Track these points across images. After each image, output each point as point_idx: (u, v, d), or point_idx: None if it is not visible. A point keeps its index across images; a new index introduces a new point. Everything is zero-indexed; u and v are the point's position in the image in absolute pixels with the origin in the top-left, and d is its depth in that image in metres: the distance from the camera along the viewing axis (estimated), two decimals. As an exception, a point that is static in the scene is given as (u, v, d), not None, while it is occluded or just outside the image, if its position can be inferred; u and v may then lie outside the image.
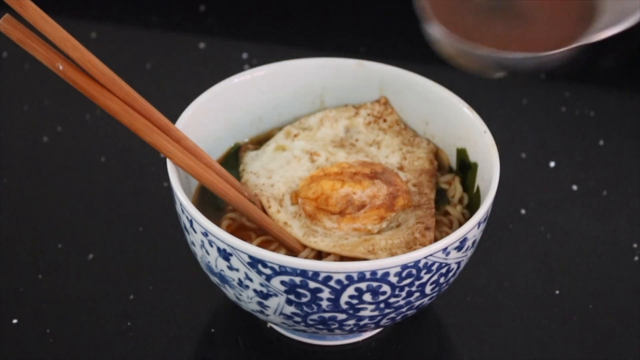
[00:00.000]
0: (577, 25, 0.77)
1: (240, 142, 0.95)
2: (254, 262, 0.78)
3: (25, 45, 0.77)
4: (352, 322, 0.81)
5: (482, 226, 0.83)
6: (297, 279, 0.78)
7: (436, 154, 0.93)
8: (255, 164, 0.91)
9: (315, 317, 0.80)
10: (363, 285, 0.78)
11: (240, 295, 0.82)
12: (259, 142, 0.95)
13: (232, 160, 0.93)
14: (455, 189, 0.90)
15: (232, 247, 0.78)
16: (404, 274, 0.78)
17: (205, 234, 0.80)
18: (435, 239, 0.85)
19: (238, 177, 0.90)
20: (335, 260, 0.84)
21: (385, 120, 0.94)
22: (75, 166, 1.07)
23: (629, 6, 0.77)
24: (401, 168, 0.91)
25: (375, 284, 0.78)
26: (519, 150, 1.10)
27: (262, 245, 0.85)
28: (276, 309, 0.81)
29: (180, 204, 0.82)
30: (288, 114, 0.96)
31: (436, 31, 0.77)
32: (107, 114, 0.80)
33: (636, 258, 0.98)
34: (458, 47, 0.77)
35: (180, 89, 1.14)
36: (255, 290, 0.80)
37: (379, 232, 0.85)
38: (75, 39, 0.78)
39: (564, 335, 0.92)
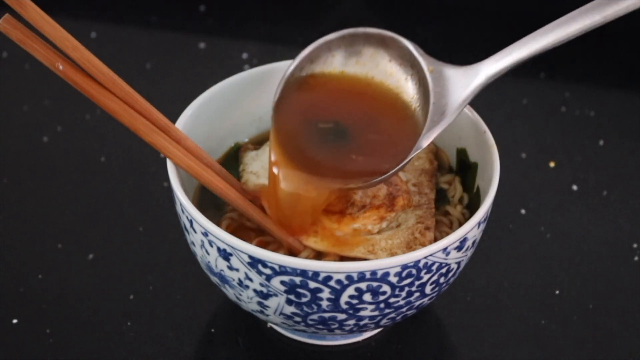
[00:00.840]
0: (407, 142, 0.83)
1: (240, 142, 0.95)
2: (254, 262, 0.78)
3: (25, 45, 0.77)
4: (352, 322, 0.81)
5: (482, 226, 0.83)
6: (297, 279, 0.78)
7: (436, 153, 0.93)
8: (255, 164, 0.91)
9: (315, 317, 0.80)
10: (363, 285, 0.78)
11: (240, 295, 0.82)
12: (259, 142, 0.94)
13: (232, 160, 0.93)
14: (455, 189, 0.90)
15: (232, 247, 0.78)
16: (404, 274, 0.78)
17: (205, 234, 0.80)
18: (436, 239, 0.85)
19: (238, 177, 0.90)
20: (335, 260, 0.84)
21: (385, 122, 0.94)
22: (75, 166, 1.07)
23: (449, 102, 0.83)
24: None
25: (375, 284, 0.78)
26: (519, 150, 1.10)
27: (260, 244, 0.85)
28: (276, 309, 0.81)
29: (180, 204, 0.82)
30: (288, 114, 0.96)
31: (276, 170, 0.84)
32: (107, 114, 0.80)
33: (636, 258, 0.98)
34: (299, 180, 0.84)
35: (180, 89, 1.14)
36: (255, 290, 0.80)
37: (379, 232, 0.85)
38: (75, 39, 0.78)
39: (564, 335, 0.92)
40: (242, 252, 0.78)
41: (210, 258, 0.81)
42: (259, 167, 0.91)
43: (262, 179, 0.89)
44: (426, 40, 1.25)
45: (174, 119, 0.86)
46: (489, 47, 1.24)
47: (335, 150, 0.85)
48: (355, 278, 0.77)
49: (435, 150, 0.93)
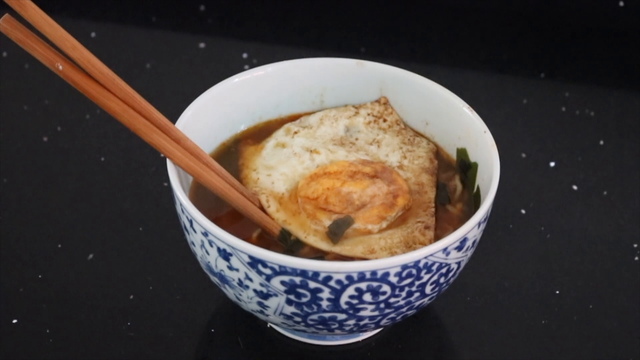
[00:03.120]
0: None
1: (238, 134, 0.94)
2: (254, 262, 0.78)
3: (25, 45, 0.77)
4: (352, 322, 0.81)
5: (483, 226, 0.83)
6: (297, 279, 0.78)
7: (436, 152, 0.93)
8: (255, 160, 0.91)
9: (315, 317, 0.80)
10: (363, 285, 0.78)
11: (240, 295, 0.82)
12: (258, 136, 0.94)
13: (230, 154, 0.93)
14: (456, 187, 0.90)
15: (232, 247, 0.78)
16: (404, 274, 0.78)
17: (205, 234, 0.80)
18: (436, 238, 0.85)
19: (237, 170, 0.90)
20: (335, 260, 0.84)
21: (385, 120, 0.94)
22: (75, 166, 1.07)
23: None
24: (401, 167, 0.91)
25: (375, 284, 0.78)
26: (519, 150, 1.10)
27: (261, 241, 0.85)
28: (276, 309, 0.81)
29: (180, 204, 0.82)
30: (288, 113, 0.96)
31: None
32: (107, 114, 0.80)
33: (636, 258, 0.98)
34: None
35: (180, 89, 1.14)
36: (255, 290, 0.80)
37: (379, 232, 0.85)
38: (75, 39, 0.78)
39: (564, 335, 0.92)
40: (242, 252, 0.78)
41: (210, 258, 0.81)
42: (259, 163, 0.91)
43: (262, 175, 0.89)
44: (426, 40, 1.25)
45: (174, 119, 0.86)
46: (488, 47, 1.24)
47: None
48: (355, 278, 0.77)
49: (435, 150, 0.93)
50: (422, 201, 0.88)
